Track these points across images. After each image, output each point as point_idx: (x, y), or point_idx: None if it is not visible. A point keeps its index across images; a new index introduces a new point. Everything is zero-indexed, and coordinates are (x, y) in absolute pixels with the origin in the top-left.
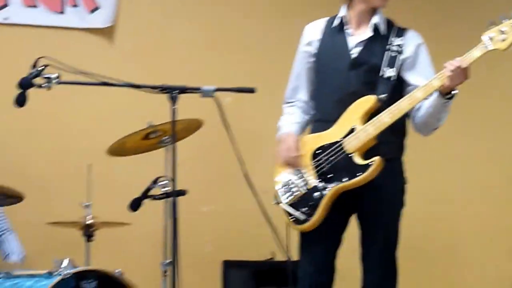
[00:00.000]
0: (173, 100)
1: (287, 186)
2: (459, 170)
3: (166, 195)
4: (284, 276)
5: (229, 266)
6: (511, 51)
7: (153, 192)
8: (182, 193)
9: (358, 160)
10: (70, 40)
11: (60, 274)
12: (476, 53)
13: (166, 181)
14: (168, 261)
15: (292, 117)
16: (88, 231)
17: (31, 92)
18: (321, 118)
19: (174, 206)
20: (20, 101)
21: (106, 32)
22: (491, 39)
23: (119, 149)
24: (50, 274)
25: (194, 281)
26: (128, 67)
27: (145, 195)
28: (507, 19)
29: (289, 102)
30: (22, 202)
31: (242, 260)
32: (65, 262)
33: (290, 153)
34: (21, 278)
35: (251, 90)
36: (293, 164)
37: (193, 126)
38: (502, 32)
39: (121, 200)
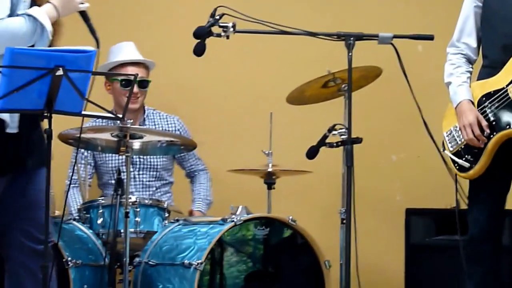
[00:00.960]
0: (350, 47)
1: (451, 135)
2: None
3: (341, 143)
4: (465, 224)
5: (412, 214)
6: None
7: (330, 140)
8: (357, 141)
9: None
10: None
11: (233, 221)
12: None
13: (342, 130)
14: (344, 209)
15: (460, 73)
16: (269, 179)
17: (212, 41)
18: (488, 64)
19: (349, 154)
20: (199, 50)
21: None
22: None
23: (299, 98)
24: (224, 221)
25: (376, 229)
26: (303, 14)
27: (322, 143)
28: None
29: (455, 47)
30: (205, 150)
31: (425, 208)
32: (240, 209)
33: (475, 130)
34: (198, 225)
35: (429, 37)
36: (475, 141)
37: (372, 73)
38: None
39: (301, 148)
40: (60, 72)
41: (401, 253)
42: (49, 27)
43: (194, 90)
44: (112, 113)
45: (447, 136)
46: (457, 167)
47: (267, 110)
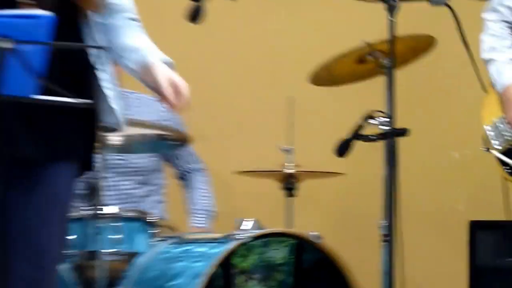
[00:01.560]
0: (392, 10)
1: (497, 129)
2: None
3: (383, 135)
4: None
5: (478, 228)
6: None
7: (365, 131)
8: (403, 132)
9: None
10: None
11: (240, 239)
12: None
13: (383, 118)
14: (386, 222)
15: (506, 46)
16: (289, 183)
17: (213, 4)
18: None
19: (392, 150)
20: (195, 15)
21: None
22: None
23: (326, 77)
24: (226, 238)
25: (429, 247)
26: None
27: (356, 136)
28: None
29: (495, 12)
30: (205, 146)
31: (494, 221)
32: (248, 223)
33: None
34: (193, 243)
35: None
36: None
37: (422, 44)
38: None
39: (329, 143)
40: (8, 44)
41: (463, 278)
42: None
43: (189, 67)
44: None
45: (490, 131)
46: (508, 170)
47: (285, 93)
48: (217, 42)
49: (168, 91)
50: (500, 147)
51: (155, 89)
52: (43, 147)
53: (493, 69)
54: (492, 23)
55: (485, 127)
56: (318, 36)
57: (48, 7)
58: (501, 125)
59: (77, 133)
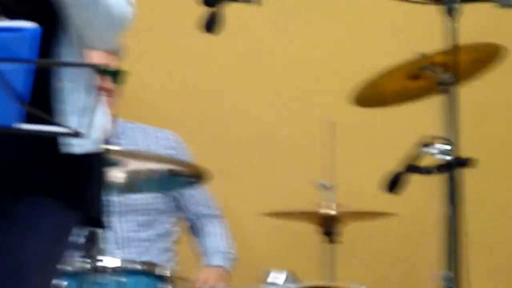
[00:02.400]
0: (452, 14)
1: None
2: None
3: (443, 166)
4: None
5: None
6: None
7: (421, 162)
8: (466, 162)
9: None
10: None
11: None
12: None
13: (443, 146)
14: (448, 272)
15: None
16: (331, 227)
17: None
18: None
19: (455, 183)
20: (211, 24)
21: None
22: None
23: (372, 96)
24: None
25: None
26: None
27: (409, 167)
28: None
29: None
30: (221, 182)
31: None
32: (278, 275)
33: None
34: None
35: None
36: None
37: (491, 55)
38: None
39: (377, 176)
40: None
41: None
42: None
43: (204, 85)
44: (65, 126)
45: None
46: None
47: (322, 116)
48: (237, 55)
49: None
50: None
51: None
52: (9, 177)
53: None
54: None
55: None
56: (361, 47)
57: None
58: None
59: (52, 162)
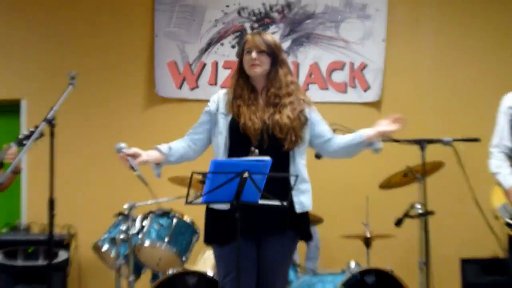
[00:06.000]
0: (423, 149)
1: (505, 209)
2: None
3: (420, 215)
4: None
5: (466, 262)
6: None
7: (410, 213)
8: (430, 213)
9: None
10: (352, 111)
11: (350, 272)
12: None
13: (419, 205)
14: (422, 260)
15: (506, 166)
16: (367, 242)
17: None
18: None
19: (425, 222)
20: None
21: (375, 105)
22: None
23: (387, 184)
24: (343, 272)
25: (441, 275)
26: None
27: (405, 215)
28: None
29: (497, 147)
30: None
31: (476, 258)
32: (353, 264)
33: None
34: (323, 275)
35: (476, 140)
36: None
37: (437, 166)
38: None
39: (390, 220)
40: (246, 174)
41: None
42: None
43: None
44: (281, 201)
45: (500, 209)
46: None
47: (364, 194)
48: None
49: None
50: (508, 219)
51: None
52: (268, 224)
53: (501, 177)
54: (497, 153)
55: (497, 206)
56: (381, 163)
57: (267, 154)
58: (508, 207)
59: (290, 215)
